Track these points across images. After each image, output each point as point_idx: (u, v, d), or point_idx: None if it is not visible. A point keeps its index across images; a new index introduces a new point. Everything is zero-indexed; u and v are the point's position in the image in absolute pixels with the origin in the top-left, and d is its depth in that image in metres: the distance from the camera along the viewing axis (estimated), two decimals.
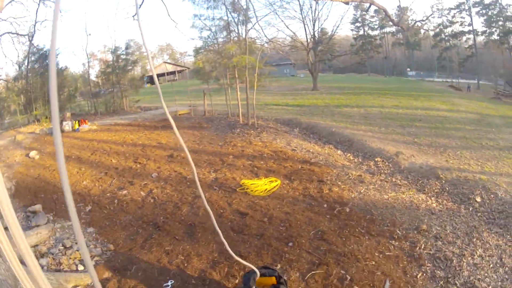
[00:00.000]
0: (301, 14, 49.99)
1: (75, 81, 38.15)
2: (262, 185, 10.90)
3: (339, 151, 15.87)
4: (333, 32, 55.56)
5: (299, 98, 36.60)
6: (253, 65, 20.35)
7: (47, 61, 31.75)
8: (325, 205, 9.82)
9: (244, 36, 23.52)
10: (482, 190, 10.80)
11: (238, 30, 25.08)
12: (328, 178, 11.86)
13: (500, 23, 68.94)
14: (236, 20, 24.42)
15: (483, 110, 31.06)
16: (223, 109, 25.79)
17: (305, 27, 50.80)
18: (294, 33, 52.74)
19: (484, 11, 72.93)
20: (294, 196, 10.47)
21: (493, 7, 70.12)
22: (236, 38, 24.95)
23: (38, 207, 10.18)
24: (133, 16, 21.91)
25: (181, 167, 13.40)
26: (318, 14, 51.45)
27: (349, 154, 15.37)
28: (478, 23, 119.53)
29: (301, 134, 18.87)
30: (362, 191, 10.99)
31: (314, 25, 50.64)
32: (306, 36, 51.22)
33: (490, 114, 28.93)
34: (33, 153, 16.48)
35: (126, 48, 37.02)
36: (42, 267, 7.44)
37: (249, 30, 26.98)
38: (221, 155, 14.86)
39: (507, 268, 7.14)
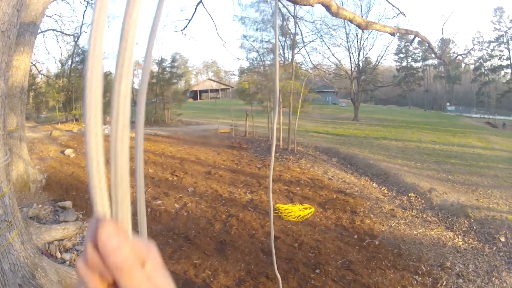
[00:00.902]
0: (347, 42, 50.21)
1: None
2: (296, 211, 10.94)
3: (374, 184, 15.83)
4: (377, 62, 55.56)
5: (339, 127, 36.71)
6: (298, 90, 20.46)
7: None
8: (355, 236, 9.83)
9: (290, 60, 23.69)
10: (507, 229, 10.69)
11: (284, 54, 25.25)
12: (361, 210, 11.86)
13: None
14: (283, 44, 24.60)
15: None
16: (264, 131, 25.97)
17: (350, 56, 51.09)
18: (339, 61, 53.02)
19: None
20: (326, 225, 10.49)
21: None
22: (282, 62, 25.09)
23: (68, 203, 10.36)
24: (181, 30, 22.30)
25: (218, 184, 13.52)
26: (363, 43, 51.77)
27: (383, 188, 15.31)
28: None
29: (339, 164, 18.87)
30: (393, 225, 10.96)
31: (359, 54, 50.85)
32: (351, 65, 51.53)
33: None
34: (68, 151, 16.52)
35: (172, 61, 37.61)
36: (64, 261, 7.62)
37: (295, 54, 27.15)
38: (259, 177, 14.91)
39: None
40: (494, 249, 9.72)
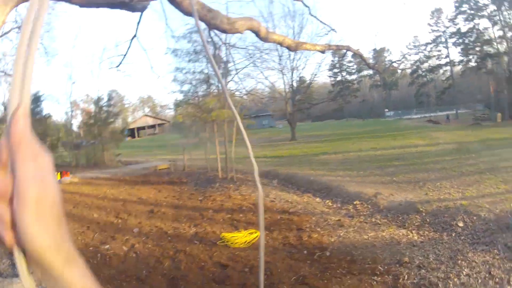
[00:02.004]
0: (280, 64, 50.79)
1: (58, 130, 37.99)
2: (242, 237, 11.04)
3: (317, 199, 16.03)
4: (311, 81, 56.47)
5: (277, 149, 37.18)
6: (232, 118, 20.71)
7: (31, 106, 31.62)
8: (305, 252, 9.94)
9: (222, 88, 23.94)
10: (464, 214, 11.02)
11: (217, 83, 25.43)
12: (307, 226, 12.03)
13: (477, 48, 70.57)
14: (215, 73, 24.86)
15: (462, 138, 32.01)
16: (202, 163, 25.95)
17: (283, 77, 51.65)
18: (272, 83, 53.51)
19: (460, 40, 74.99)
20: (274, 246, 10.57)
21: (470, 34, 72.04)
22: (216, 91, 25.29)
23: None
24: (116, 67, 22.27)
25: (162, 222, 13.49)
26: (296, 64, 52.61)
27: (328, 201, 15.51)
28: (455, 54, 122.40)
29: (280, 185, 19.10)
30: (341, 234, 11.11)
31: (292, 74, 51.57)
32: (284, 86, 52.02)
33: (469, 140, 29.82)
34: None
35: (109, 99, 37.18)
36: None
37: (228, 82, 27.44)
38: (201, 209, 14.97)
39: (497, 279, 7.26)
40: (453, 235, 10.04)
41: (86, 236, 12.50)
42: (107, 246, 11.49)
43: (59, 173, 22.97)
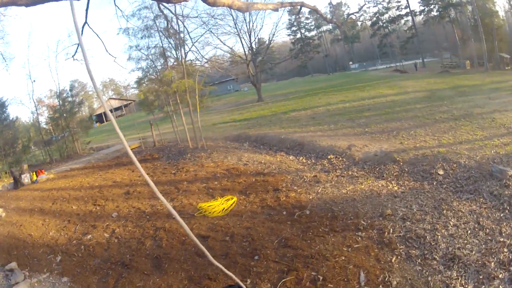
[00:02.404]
0: (236, 28, 50.17)
1: (27, 131, 37.59)
2: (219, 205, 11.08)
3: (291, 157, 16.14)
4: (270, 41, 55.92)
5: (245, 112, 37.05)
6: (193, 88, 20.59)
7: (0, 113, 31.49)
8: (284, 212, 10.01)
9: (181, 59, 23.69)
10: (443, 162, 11.21)
11: (176, 55, 25.10)
12: (283, 186, 12.06)
13: None
14: (172, 45, 24.45)
15: (432, 86, 32.00)
16: (172, 136, 25.90)
17: (241, 40, 51.00)
18: (231, 48, 52.97)
19: None
20: (252, 210, 10.65)
21: None
22: (175, 64, 25.00)
23: (13, 264, 10.20)
24: (72, 56, 21.89)
25: (139, 202, 13.48)
26: (252, 26, 51.74)
27: (301, 158, 15.65)
28: (415, 4, 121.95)
29: (251, 147, 19.17)
30: (319, 191, 11.19)
31: (250, 36, 50.97)
32: (244, 49, 51.46)
33: (440, 88, 29.84)
34: None
35: (71, 89, 36.58)
36: None
37: (186, 53, 27.13)
38: (176, 182, 14.95)
39: (487, 229, 7.36)
40: (434, 183, 10.22)
41: (69, 230, 12.42)
42: (89, 236, 11.47)
43: (34, 173, 22.71)
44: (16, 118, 36.41)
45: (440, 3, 69.32)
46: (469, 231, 7.41)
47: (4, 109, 32.00)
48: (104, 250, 10.35)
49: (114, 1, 24.56)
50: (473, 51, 53.43)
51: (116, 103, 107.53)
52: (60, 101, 35.61)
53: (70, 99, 35.94)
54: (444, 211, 8.32)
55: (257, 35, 54.82)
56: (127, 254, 9.63)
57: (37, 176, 22.56)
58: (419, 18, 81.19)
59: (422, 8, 75.89)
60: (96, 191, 16.41)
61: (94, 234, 11.60)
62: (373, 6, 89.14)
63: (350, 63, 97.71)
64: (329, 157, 14.60)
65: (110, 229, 11.65)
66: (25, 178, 21.88)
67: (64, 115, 34.64)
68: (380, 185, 10.89)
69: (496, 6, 55.88)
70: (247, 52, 51.20)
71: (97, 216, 13.16)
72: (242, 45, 51.64)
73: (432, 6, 72.45)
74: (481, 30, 47.65)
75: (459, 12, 64.45)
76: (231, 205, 11.18)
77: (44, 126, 38.47)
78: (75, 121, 35.69)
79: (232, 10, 45.21)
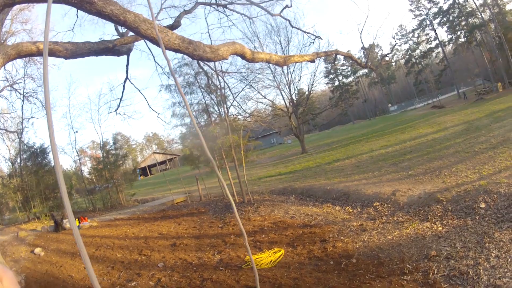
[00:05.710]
0: (275, 80, 50.68)
1: (69, 178, 38.53)
2: (266, 258, 10.95)
3: (337, 207, 15.98)
4: (309, 91, 56.27)
5: (290, 164, 37.06)
6: (238, 143, 20.73)
7: (39, 159, 32.32)
8: (331, 262, 9.83)
9: (224, 115, 23.95)
10: (484, 195, 10.96)
11: (218, 110, 25.41)
12: (330, 236, 11.88)
13: (463, 23, 70.56)
14: (214, 101, 24.80)
15: (468, 117, 31.89)
16: (218, 191, 26.05)
17: (281, 93, 51.61)
18: (271, 101, 53.50)
19: (445, 19, 74.63)
20: (299, 261, 10.47)
21: (452, 10, 71.77)
22: (218, 119, 25.27)
23: None
24: (115, 111, 22.40)
25: (185, 254, 13.41)
26: (291, 77, 52.11)
27: (347, 207, 15.48)
28: (443, 33, 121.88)
29: (298, 200, 19.04)
30: (365, 239, 11.01)
31: (290, 88, 51.39)
32: (285, 101, 51.90)
33: (476, 118, 29.73)
34: (38, 250, 16.83)
35: (114, 142, 37.62)
36: None
37: (228, 108, 27.44)
38: (223, 236, 14.88)
39: None
40: (477, 218, 9.95)
41: (112, 276, 12.47)
42: (134, 283, 11.46)
43: (77, 219, 23.05)
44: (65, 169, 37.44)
45: (465, 28, 69.11)
46: (509, 259, 7.23)
47: (46, 155, 32.98)
48: None
49: (154, 58, 25.25)
50: (502, 71, 52.75)
51: (160, 157, 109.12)
52: (104, 153, 36.55)
53: (113, 151, 36.81)
54: (486, 244, 8.13)
55: (297, 86, 55.30)
56: None
57: (79, 222, 22.87)
58: (449, 48, 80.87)
59: (449, 36, 75.82)
60: (141, 242, 16.46)
61: (139, 281, 11.58)
62: (404, 43, 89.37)
63: (389, 105, 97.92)
64: (374, 204, 14.44)
65: (156, 278, 11.58)
66: (67, 223, 22.19)
67: (108, 166, 35.43)
68: (424, 227, 10.69)
69: None
70: (288, 104, 51.61)
71: (142, 265, 13.15)
72: (283, 97, 52.23)
73: (459, 33, 72.24)
74: (506, 47, 47.09)
75: (484, 33, 64.22)
76: (279, 257, 11.01)
77: (87, 175, 39.37)
78: (119, 173, 36.43)
79: (270, 64, 45.93)
